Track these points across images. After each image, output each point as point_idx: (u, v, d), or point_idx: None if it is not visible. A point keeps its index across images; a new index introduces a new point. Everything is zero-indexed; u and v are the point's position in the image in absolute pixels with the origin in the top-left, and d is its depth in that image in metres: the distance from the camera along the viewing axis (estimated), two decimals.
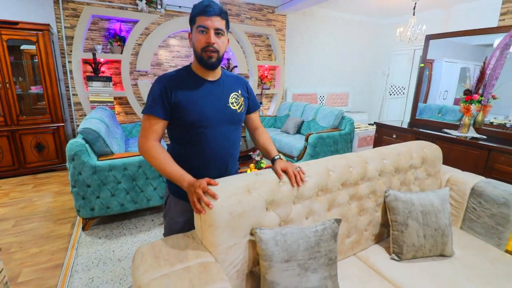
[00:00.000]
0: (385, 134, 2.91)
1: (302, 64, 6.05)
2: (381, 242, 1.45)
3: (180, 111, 1.01)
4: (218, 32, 0.98)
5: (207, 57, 0.99)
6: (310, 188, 1.12)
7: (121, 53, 4.00)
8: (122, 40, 4.01)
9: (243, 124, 1.22)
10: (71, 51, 3.79)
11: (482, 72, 2.27)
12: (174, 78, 1.04)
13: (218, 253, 0.93)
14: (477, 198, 1.52)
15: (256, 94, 5.23)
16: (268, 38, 5.44)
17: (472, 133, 2.36)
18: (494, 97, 2.40)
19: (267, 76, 5.52)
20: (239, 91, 1.14)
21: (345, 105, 6.76)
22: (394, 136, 2.81)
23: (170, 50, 4.49)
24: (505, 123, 2.36)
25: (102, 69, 4.01)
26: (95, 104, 3.81)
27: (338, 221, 1.05)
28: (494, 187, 1.49)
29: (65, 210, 2.55)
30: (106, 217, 2.43)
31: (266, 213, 1.03)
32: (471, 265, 1.27)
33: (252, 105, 1.22)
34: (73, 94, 3.95)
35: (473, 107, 2.29)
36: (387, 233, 1.45)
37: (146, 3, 3.99)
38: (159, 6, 4.14)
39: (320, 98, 6.37)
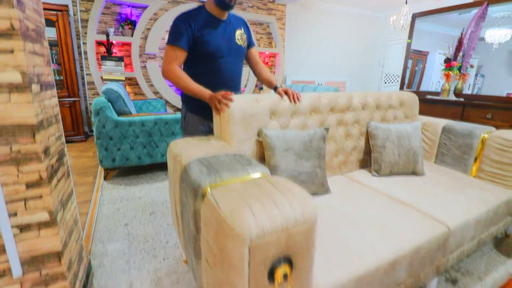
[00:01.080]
0: None
1: (301, 52, 6.34)
2: (365, 168, 1.73)
3: (202, 43, 1.29)
4: None
5: (229, 1, 1.26)
6: (304, 107, 1.40)
7: (132, 36, 4.28)
8: (133, 24, 4.30)
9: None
10: (85, 33, 4.08)
11: (460, 42, 2.56)
12: (195, 16, 1.28)
13: (233, 144, 1.21)
14: (447, 134, 1.80)
15: (257, 81, 5.52)
16: (268, 26, 5.73)
17: (451, 97, 2.64)
18: (471, 66, 2.69)
19: (267, 63, 5.81)
20: (242, 29, 1.42)
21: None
22: None
23: None
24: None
25: (114, 50, 4.29)
26: (108, 81, 4.08)
27: (327, 129, 1.33)
28: (461, 124, 1.78)
29: (86, 167, 2.82)
30: (124, 170, 2.71)
31: (270, 120, 1.31)
32: (438, 180, 1.55)
33: (250, 40, 1.49)
34: (87, 74, 4.23)
35: (452, 74, 2.58)
36: (369, 162, 1.73)
37: None
38: None
39: (319, 85, 6.66)
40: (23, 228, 0.92)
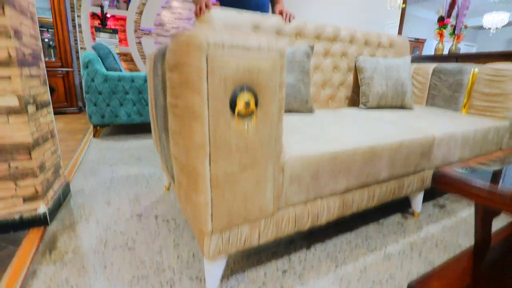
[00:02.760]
0: None
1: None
2: (354, 106, 1.69)
3: None
4: None
5: None
6: (290, 28, 1.37)
7: (127, 9, 4.25)
8: None
9: None
10: (80, 5, 4.05)
11: (453, 1, 2.52)
12: None
13: None
14: (437, 74, 1.77)
15: None
16: None
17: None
18: (466, 27, 2.65)
19: None
20: None
21: None
22: None
23: (173, 12, 4.74)
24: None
25: (109, 23, 4.26)
26: None
27: (311, 47, 1.29)
28: (451, 64, 1.74)
29: (76, 130, 2.79)
30: (114, 129, 2.68)
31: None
32: (427, 114, 1.52)
33: None
34: (81, 48, 4.20)
35: (446, 32, 2.54)
36: (358, 100, 1.69)
37: None
38: None
39: None
40: None
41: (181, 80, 0.59)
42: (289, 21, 1.38)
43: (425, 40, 6.38)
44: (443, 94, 1.74)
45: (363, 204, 0.95)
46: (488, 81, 1.53)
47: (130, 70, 4.61)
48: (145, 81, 2.47)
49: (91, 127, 2.77)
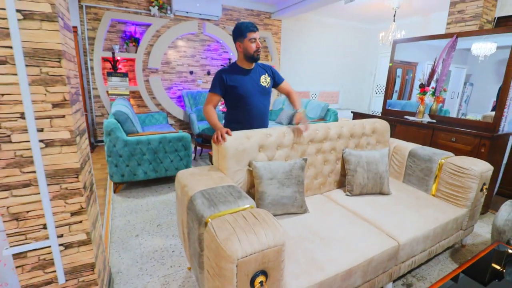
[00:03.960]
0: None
1: (296, 64, 6.64)
2: (341, 187, 2.02)
3: (234, 88, 1.72)
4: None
5: (257, 55, 1.71)
6: (288, 140, 1.70)
7: (136, 52, 4.57)
8: (137, 41, 4.59)
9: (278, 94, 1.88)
10: (92, 50, 4.36)
11: (433, 69, 2.87)
12: (227, 70, 1.76)
13: (228, 174, 1.50)
14: (412, 158, 2.10)
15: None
16: (265, 40, 6.03)
17: (426, 118, 2.94)
18: (445, 90, 3.00)
19: None
20: (266, 74, 1.85)
21: (336, 103, 7.36)
22: None
23: (178, 50, 5.07)
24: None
25: (119, 66, 4.57)
26: (114, 96, 4.37)
27: (305, 159, 1.62)
28: (423, 149, 2.08)
29: (96, 180, 3.10)
30: (131, 184, 2.99)
31: (259, 153, 1.61)
32: (401, 199, 1.85)
33: (278, 78, 1.91)
34: (93, 88, 4.51)
35: (426, 98, 2.88)
36: (345, 182, 2.02)
37: (158, 9, 4.57)
38: (169, 12, 4.72)
39: (312, 96, 6.97)
40: (67, 245, 1.20)
41: (219, 270, 0.91)
42: (307, 130, 1.74)
43: (417, 63, 6.74)
44: (417, 175, 2.08)
45: None
46: (451, 174, 1.86)
47: (139, 106, 4.92)
48: (160, 142, 2.79)
49: (109, 180, 3.07)
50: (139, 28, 4.66)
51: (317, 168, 1.87)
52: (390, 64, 3.47)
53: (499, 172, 2.52)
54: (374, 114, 3.54)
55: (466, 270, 1.25)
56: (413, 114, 3.10)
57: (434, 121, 2.85)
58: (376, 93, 7.03)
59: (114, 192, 2.79)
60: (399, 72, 6.21)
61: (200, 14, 4.84)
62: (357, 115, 3.54)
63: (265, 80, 1.82)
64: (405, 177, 2.16)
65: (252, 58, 1.71)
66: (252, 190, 1.60)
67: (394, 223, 1.55)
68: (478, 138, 2.28)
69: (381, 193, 1.90)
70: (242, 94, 1.73)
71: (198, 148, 4.10)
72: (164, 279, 1.62)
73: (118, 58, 4.50)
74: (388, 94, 3.61)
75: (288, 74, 6.53)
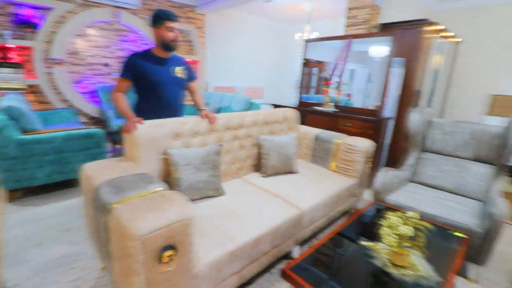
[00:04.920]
0: None
1: (222, 59, 6.73)
2: (258, 171, 2.20)
3: (146, 76, 1.69)
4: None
5: (173, 45, 1.72)
6: (204, 128, 1.77)
7: (33, 39, 3.93)
8: (34, 26, 3.94)
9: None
10: None
11: (334, 66, 3.33)
12: (141, 55, 1.71)
13: (141, 163, 1.48)
14: (317, 141, 2.43)
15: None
16: (189, 34, 5.92)
17: (332, 108, 3.40)
18: (345, 84, 3.51)
19: None
20: (183, 66, 1.86)
21: (260, 98, 7.76)
22: None
23: (88, 40, 4.56)
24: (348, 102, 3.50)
25: (11, 55, 3.86)
26: (4, 91, 3.68)
27: (221, 145, 1.72)
28: (325, 133, 2.43)
29: None
30: (32, 190, 2.61)
31: (174, 141, 1.64)
32: (307, 175, 2.13)
33: (192, 76, 1.94)
34: None
35: (330, 90, 3.34)
36: (261, 168, 2.21)
37: None
38: None
39: (239, 91, 7.19)
40: None
41: (124, 251, 0.93)
42: (213, 123, 1.81)
43: (328, 62, 7.57)
44: (320, 155, 2.41)
45: (254, 271, 1.43)
46: (344, 152, 2.23)
47: (40, 102, 4.26)
48: (66, 140, 2.50)
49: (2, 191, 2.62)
50: (37, 12, 4.01)
51: (234, 154, 2.00)
52: (304, 61, 3.87)
53: (382, 149, 3.11)
54: (292, 106, 3.90)
55: (352, 222, 1.54)
56: (320, 105, 3.54)
57: (338, 110, 3.33)
58: (296, 89, 7.68)
59: (10, 201, 2.39)
60: (315, 70, 6.91)
61: (115, 1, 4.45)
62: (277, 107, 3.84)
63: (181, 72, 1.84)
64: (312, 157, 2.49)
65: (168, 46, 1.71)
66: (168, 178, 1.62)
67: (299, 195, 1.79)
68: (366, 123, 2.77)
69: (291, 172, 2.15)
70: (155, 83, 1.72)
71: (117, 147, 3.81)
72: (73, 284, 1.51)
73: (10, 46, 3.79)
74: (303, 89, 4.01)
75: (214, 69, 6.57)
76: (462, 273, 1.68)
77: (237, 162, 2.03)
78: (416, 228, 1.12)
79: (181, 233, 1.01)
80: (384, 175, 1.94)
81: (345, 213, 2.31)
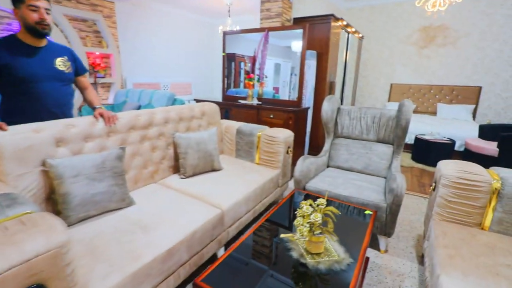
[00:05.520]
0: None
1: (142, 53, 6.14)
2: (178, 172, 2.02)
3: (9, 68, 1.30)
4: (47, 13, 1.36)
5: (41, 29, 1.36)
6: (99, 129, 1.50)
7: None
8: None
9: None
10: None
11: (254, 59, 3.32)
12: (1, 43, 1.33)
13: (8, 180, 1.15)
14: (239, 134, 2.37)
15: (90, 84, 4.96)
16: (95, 23, 5.18)
17: (255, 101, 3.40)
18: (266, 76, 3.54)
19: (99, 64, 5.29)
20: (66, 57, 1.51)
21: (189, 94, 7.40)
22: None
23: None
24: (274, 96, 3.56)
25: None
26: None
27: (123, 148, 1.48)
28: (246, 126, 2.38)
29: None
30: None
31: (57, 149, 1.33)
32: (231, 171, 2.05)
33: (80, 68, 1.61)
34: None
35: (253, 83, 3.32)
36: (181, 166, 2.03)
37: None
38: None
39: (164, 87, 6.70)
40: None
41: None
42: (114, 123, 1.55)
43: (249, 56, 7.67)
44: (244, 149, 2.36)
45: (171, 286, 1.27)
46: (266, 143, 2.22)
47: None
48: None
49: None
50: None
51: (145, 157, 1.77)
52: (224, 54, 3.76)
53: (305, 138, 3.27)
54: (212, 100, 3.77)
55: (272, 215, 1.51)
56: (245, 98, 3.51)
57: (261, 103, 3.34)
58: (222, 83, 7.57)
59: None
60: (243, 65, 6.88)
61: None
62: (199, 101, 3.65)
63: (63, 64, 1.51)
64: (236, 152, 2.42)
65: (34, 30, 1.36)
66: (55, 195, 1.31)
67: (220, 193, 1.69)
68: (287, 113, 2.84)
69: (213, 169, 2.03)
70: (24, 78, 1.36)
71: None
72: None
73: None
74: (233, 83, 3.91)
75: (133, 64, 5.95)
76: (375, 246, 1.85)
77: (150, 165, 1.81)
78: (326, 214, 1.13)
79: (51, 267, 0.78)
80: (302, 163, 1.99)
81: (272, 204, 2.32)
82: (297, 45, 4.15)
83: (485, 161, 3.17)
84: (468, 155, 3.60)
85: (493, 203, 1.37)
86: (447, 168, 1.48)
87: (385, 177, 2.12)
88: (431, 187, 1.61)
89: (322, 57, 3.45)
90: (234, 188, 1.78)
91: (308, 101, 3.46)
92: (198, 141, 1.95)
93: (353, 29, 4.42)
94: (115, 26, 5.51)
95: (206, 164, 1.97)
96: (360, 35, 5.14)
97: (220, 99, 3.84)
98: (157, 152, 1.85)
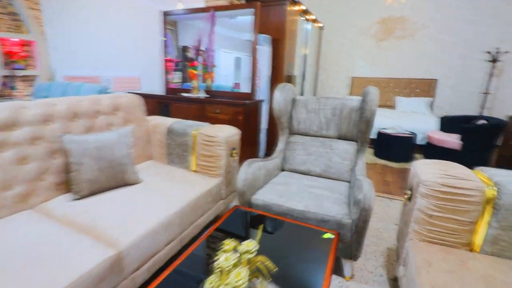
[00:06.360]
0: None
1: (77, 42, 5.24)
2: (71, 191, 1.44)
3: None
4: None
5: None
6: None
7: None
8: None
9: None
10: None
11: (198, 42, 2.79)
12: None
13: None
14: (170, 135, 1.84)
15: (4, 76, 4.04)
16: (11, 4, 4.24)
17: (202, 94, 2.88)
18: (214, 66, 3.04)
19: (18, 53, 4.35)
20: None
21: (138, 89, 6.61)
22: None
23: None
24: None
25: None
26: None
27: None
28: (179, 123, 1.86)
29: None
30: None
31: None
32: (152, 184, 1.52)
33: None
34: None
35: (198, 72, 2.79)
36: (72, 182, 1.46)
37: None
38: None
39: (106, 82, 5.86)
40: None
41: None
42: None
43: (213, 50, 7.11)
44: (177, 153, 1.84)
45: None
46: (203, 145, 1.73)
47: None
48: None
49: None
50: None
51: (7, 173, 1.18)
52: (164, 39, 3.18)
53: (258, 136, 2.83)
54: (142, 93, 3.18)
55: (198, 247, 1.04)
56: (190, 91, 2.97)
57: (208, 96, 2.83)
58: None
59: None
60: (200, 59, 6.16)
61: None
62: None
63: None
64: (168, 157, 1.89)
65: None
66: None
67: (124, 221, 1.16)
68: (235, 107, 2.37)
69: (126, 184, 1.49)
70: None
71: None
72: None
73: None
74: (184, 76, 3.33)
75: (64, 54, 5.04)
76: (338, 271, 1.46)
77: (18, 185, 1.22)
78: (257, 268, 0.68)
79: None
80: (247, 170, 1.54)
81: (214, 221, 1.85)
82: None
83: (449, 154, 3.02)
84: (430, 148, 3.45)
85: (486, 217, 1.04)
86: (426, 171, 1.12)
87: (348, 181, 1.76)
88: (406, 196, 1.25)
89: (278, 44, 3.04)
90: (150, 210, 1.27)
91: (262, 93, 3.02)
92: (99, 146, 1.39)
93: (313, 17, 4.09)
94: (39, 8, 4.58)
95: (113, 177, 1.43)
96: (321, 25, 4.85)
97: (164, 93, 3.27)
98: (31, 164, 1.27)
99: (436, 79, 4.98)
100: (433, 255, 1.02)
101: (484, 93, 4.34)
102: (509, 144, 3.19)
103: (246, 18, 2.71)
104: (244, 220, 1.37)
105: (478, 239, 1.06)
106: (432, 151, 3.37)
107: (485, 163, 2.87)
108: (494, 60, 4.21)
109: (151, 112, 2.29)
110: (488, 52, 4.27)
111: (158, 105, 2.94)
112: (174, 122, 1.89)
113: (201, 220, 1.56)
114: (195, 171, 1.80)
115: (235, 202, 2.12)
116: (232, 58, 5.42)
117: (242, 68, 5.01)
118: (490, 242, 1.04)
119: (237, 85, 4.19)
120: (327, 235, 1.16)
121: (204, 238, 1.14)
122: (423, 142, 3.79)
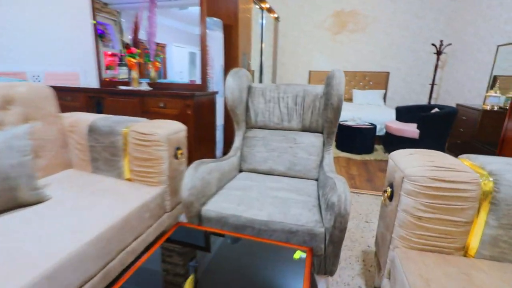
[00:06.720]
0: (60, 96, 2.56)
1: None
2: None
3: None
4: None
5: None
6: None
7: None
8: None
9: None
10: None
11: (135, 25, 2.36)
12: None
13: None
14: (93, 134, 1.43)
15: None
16: None
17: (144, 87, 2.45)
18: (158, 55, 2.61)
19: None
20: None
21: (77, 85, 5.79)
22: (69, 98, 2.57)
23: None
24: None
25: None
26: None
27: None
28: (105, 120, 1.46)
29: None
30: None
31: None
32: (66, 202, 1.12)
33: None
34: None
35: (136, 61, 2.36)
36: None
37: None
38: None
39: (34, 78, 4.98)
40: None
41: None
42: None
43: (165, 44, 6.57)
44: (104, 158, 1.43)
45: None
46: (137, 145, 1.35)
47: None
48: None
49: None
50: None
51: None
52: (94, 22, 2.66)
53: (214, 133, 2.51)
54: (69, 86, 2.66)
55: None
56: (129, 83, 2.52)
57: (151, 88, 2.42)
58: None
59: None
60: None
61: None
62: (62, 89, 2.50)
63: None
64: (92, 164, 1.47)
65: None
66: None
67: (14, 260, 0.76)
68: (183, 100, 2.01)
69: (20, 205, 1.07)
70: None
71: None
72: None
73: None
74: (98, 61, 2.83)
75: None
76: None
77: None
78: None
79: None
80: (194, 174, 1.21)
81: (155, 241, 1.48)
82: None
83: (408, 143, 3.01)
84: (389, 138, 3.45)
85: (482, 215, 0.86)
86: (410, 164, 0.91)
87: (316, 179, 1.53)
88: (385, 194, 1.04)
89: (231, 30, 2.73)
90: (46, 245, 0.88)
91: (216, 85, 2.70)
92: None
93: (267, 5, 3.86)
94: None
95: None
96: (276, 16, 4.65)
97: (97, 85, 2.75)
98: None
99: (388, 72, 5.12)
100: (430, 269, 0.81)
101: (430, 84, 4.55)
102: (459, 131, 3.31)
103: (198, 9, 2.35)
104: (188, 242, 1.04)
105: (474, 241, 0.88)
106: (391, 141, 3.37)
107: (442, 150, 2.92)
108: (439, 53, 4.41)
109: (80, 110, 1.83)
110: (433, 45, 4.47)
111: (89, 101, 2.45)
112: (98, 119, 1.47)
113: (135, 244, 1.19)
114: (129, 179, 1.42)
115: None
116: (186, 53, 4.99)
117: (197, 64, 4.62)
118: (489, 244, 0.87)
119: (192, 82, 3.82)
120: (298, 254, 0.89)
121: (132, 272, 0.79)
122: (381, 133, 3.81)
